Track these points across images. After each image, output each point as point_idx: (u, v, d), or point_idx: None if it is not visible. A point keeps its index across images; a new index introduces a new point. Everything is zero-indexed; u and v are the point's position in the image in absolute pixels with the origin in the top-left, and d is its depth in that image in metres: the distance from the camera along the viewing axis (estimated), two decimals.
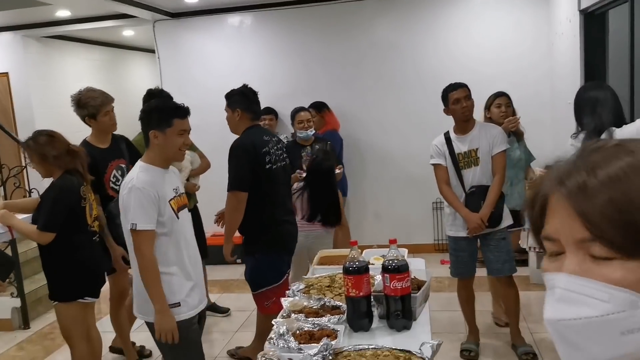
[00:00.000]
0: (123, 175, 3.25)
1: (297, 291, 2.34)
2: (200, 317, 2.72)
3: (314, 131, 4.32)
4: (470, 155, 3.38)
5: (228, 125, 3.52)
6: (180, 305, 2.46)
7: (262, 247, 3.24)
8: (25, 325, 4.48)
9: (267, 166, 3.25)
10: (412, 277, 2.28)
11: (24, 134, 4.43)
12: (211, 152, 4.34)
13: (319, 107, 5.36)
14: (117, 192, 2.86)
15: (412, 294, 2.00)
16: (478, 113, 3.65)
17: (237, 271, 5.12)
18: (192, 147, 3.85)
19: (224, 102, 5.96)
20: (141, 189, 2.38)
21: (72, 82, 7.16)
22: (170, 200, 2.47)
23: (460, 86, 3.37)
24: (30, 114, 6.36)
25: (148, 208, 2.36)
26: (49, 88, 6.71)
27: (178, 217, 2.49)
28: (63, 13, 5.80)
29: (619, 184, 0.56)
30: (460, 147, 3.39)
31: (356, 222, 5.64)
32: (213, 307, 4.42)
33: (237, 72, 6.00)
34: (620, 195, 0.55)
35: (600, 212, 0.56)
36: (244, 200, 3.18)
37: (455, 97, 3.33)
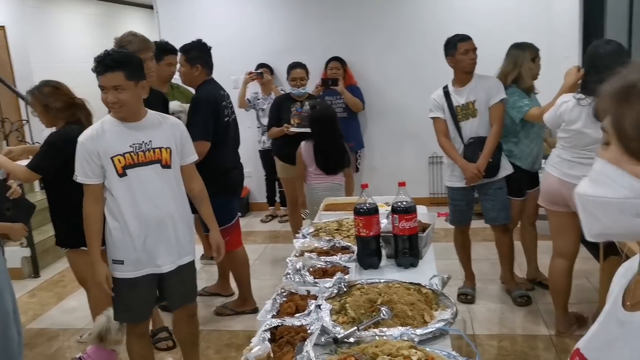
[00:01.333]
0: None
1: (307, 234, 2.47)
2: (163, 288, 2.59)
3: (306, 89, 4.42)
4: (468, 107, 3.46)
5: (181, 79, 3.68)
6: (123, 264, 2.46)
7: (216, 191, 3.17)
8: (36, 274, 4.63)
9: (225, 119, 3.54)
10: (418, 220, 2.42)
11: (23, 88, 4.46)
12: None
13: (343, 61, 5.50)
14: None
15: (418, 234, 2.12)
16: None
17: None
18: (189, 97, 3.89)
19: (222, 58, 5.98)
20: (81, 142, 2.41)
21: (68, 37, 7.14)
22: (116, 156, 2.38)
23: (469, 37, 3.43)
24: (28, 68, 6.33)
25: (83, 162, 2.39)
26: (46, 42, 6.67)
27: (122, 174, 2.39)
28: None
29: None
30: (458, 99, 3.47)
31: (356, 174, 5.76)
32: None
33: (236, 27, 6.01)
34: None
35: (630, 123, 0.70)
36: (207, 149, 3.34)
37: (465, 48, 3.39)
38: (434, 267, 2.12)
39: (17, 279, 4.48)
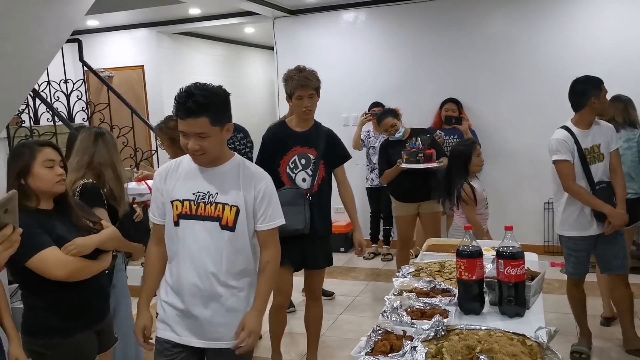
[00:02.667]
0: (307, 166, 3.15)
1: (407, 273, 2.43)
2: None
3: (401, 132, 4.40)
4: (594, 150, 3.33)
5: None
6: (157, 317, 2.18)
7: None
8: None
9: None
10: (526, 267, 2.29)
11: (154, 121, 4.90)
12: None
13: (459, 103, 5.49)
14: (291, 179, 3.15)
15: (526, 282, 2.01)
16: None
17: (339, 259, 5.31)
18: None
19: (335, 96, 6.18)
20: (156, 174, 2.20)
21: (197, 75, 7.76)
22: (175, 200, 2.06)
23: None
24: (160, 103, 6.97)
25: (155, 196, 2.15)
26: (177, 80, 7.28)
27: (176, 223, 2.05)
28: (194, 11, 6.29)
29: None
30: (584, 141, 3.32)
31: None
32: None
33: (349, 67, 6.19)
34: None
35: None
36: None
37: (605, 91, 3.31)
38: (542, 319, 1.98)
39: (136, 296, 4.83)
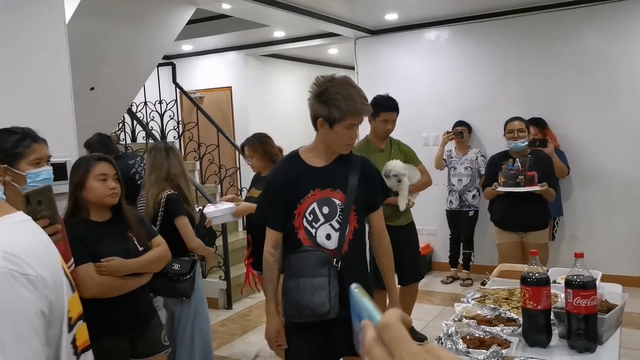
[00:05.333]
0: (331, 216, 2.66)
1: (472, 299, 2.32)
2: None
3: (525, 142, 3.93)
4: None
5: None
6: None
7: None
8: (229, 305, 5.10)
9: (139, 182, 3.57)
10: (603, 299, 2.11)
11: (240, 139, 5.09)
12: None
13: (542, 124, 5.18)
14: (311, 236, 2.46)
15: (599, 315, 1.85)
16: None
17: None
18: (414, 160, 3.91)
19: (415, 115, 6.10)
20: None
21: (282, 95, 8.00)
22: None
23: None
24: (246, 122, 7.23)
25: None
26: (263, 101, 7.57)
27: None
28: (279, 34, 6.50)
29: None
30: None
31: (552, 243, 5.27)
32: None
33: (431, 85, 6.09)
34: None
35: None
36: None
37: None
38: (615, 356, 1.81)
39: (213, 308, 4.99)
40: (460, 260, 5.74)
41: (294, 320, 2.17)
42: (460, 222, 5.61)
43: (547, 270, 2.66)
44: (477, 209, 5.60)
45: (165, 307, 3.09)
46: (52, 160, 2.30)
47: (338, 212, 2.22)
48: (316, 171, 2.24)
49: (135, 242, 2.40)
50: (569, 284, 1.84)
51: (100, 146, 3.58)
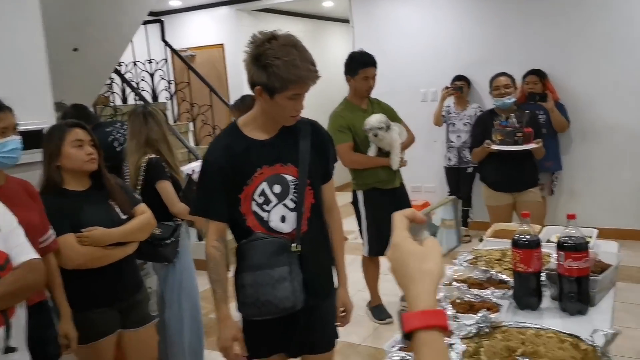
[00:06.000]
0: (284, 195, 2.33)
1: (464, 261, 2.26)
2: None
3: (512, 99, 3.80)
4: None
5: None
6: None
7: None
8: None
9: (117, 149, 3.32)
10: (597, 259, 2.04)
11: (235, 98, 4.96)
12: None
13: (542, 75, 5.00)
14: (263, 222, 1.99)
15: (591, 277, 1.79)
16: None
17: None
18: (397, 118, 3.75)
19: (413, 70, 5.93)
20: None
21: None
22: None
23: None
24: (240, 81, 7.03)
25: None
26: None
27: None
28: None
29: None
30: None
31: (550, 198, 5.21)
32: None
33: (429, 39, 5.89)
34: None
35: None
36: None
37: None
38: (608, 319, 1.75)
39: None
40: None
41: (254, 318, 1.93)
42: (459, 179, 5.53)
43: (542, 229, 2.60)
44: (476, 165, 5.50)
45: (155, 271, 3.06)
46: (26, 127, 2.21)
47: (292, 190, 1.93)
48: (261, 145, 1.91)
49: (118, 210, 2.33)
50: (560, 246, 1.77)
51: (74, 117, 3.48)
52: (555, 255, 1.94)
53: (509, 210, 3.88)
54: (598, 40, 5.10)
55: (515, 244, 1.83)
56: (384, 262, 3.89)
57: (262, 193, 1.92)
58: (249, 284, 1.86)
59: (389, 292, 3.92)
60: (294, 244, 1.91)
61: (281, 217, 1.93)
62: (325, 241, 2.09)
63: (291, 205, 1.94)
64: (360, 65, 3.50)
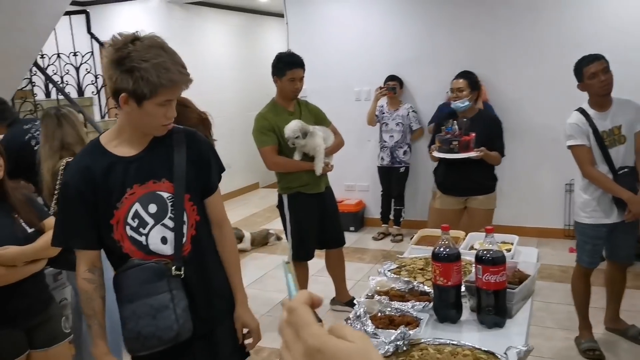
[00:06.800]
0: (162, 214, 2.01)
1: (388, 271, 2.24)
2: None
3: (466, 103, 3.62)
4: (613, 132, 3.09)
5: None
6: None
7: None
8: None
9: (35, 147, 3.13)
10: (516, 269, 2.08)
11: None
12: (331, 117, 3.91)
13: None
14: (141, 245, 1.79)
15: (508, 289, 1.81)
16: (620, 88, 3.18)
17: (348, 239, 5.11)
18: (325, 121, 3.67)
19: (347, 69, 5.92)
20: None
21: (211, 47, 7.58)
22: None
23: (596, 58, 3.05)
24: None
25: None
26: (190, 52, 7.08)
27: None
28: None
29: None
30: (602, 124, 3.10)
31: None
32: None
33: (362, 37, 5.90)
34: None
35: None
36: None
37: (592, 72, 3.04)
38: (524, 331, 1.78)
39: None
40: (392, 216, 5.75)
41: (140, 354, 1.76)
42: (392, 179, 5.59)
43: (466, 235, 2.63)
44: (408, 165, 5.58)
45: (70, 281, 2.88)
46: None
47: (169, 207, 1.74)
48: (128, 162, 1.71)
49: (22, 223, 2.16)
50: (479, 259, 1.78)
51: None
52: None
53: (456, 215, 3.77)
54: (524, 42, 5.26)
55: (436, 256, 1.83)
56: (312, 265, 3.85)
57: (136, 215, 1.72)
58: (127, 316, 1.70)
59: (319, 294, 3.87)
60: (175, 267, 1.72)
61: (162, 239, 1.74)
62: (215, 260, 1.91)
63: (171, 224, 1.74)
64: (287, 66, 3.43)
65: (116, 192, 1.70)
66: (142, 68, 1.56)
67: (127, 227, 1.72)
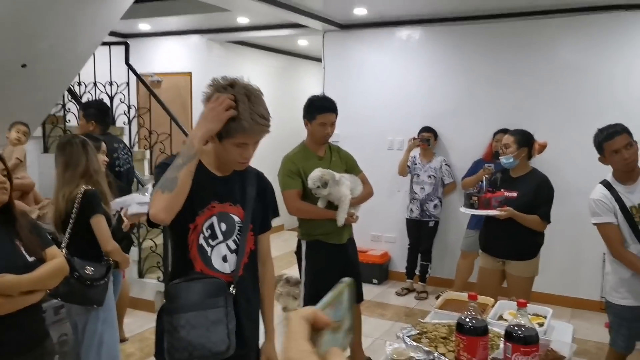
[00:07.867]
0: (229, 234, 2.17)
1: (407, 336, 2.04)
2: None
3: (510, 159, 3.48)
4: None
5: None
6: None
7: None
8: None
9: (116, 168, 3.99)
10: (549, 348, 1.86)
11: None
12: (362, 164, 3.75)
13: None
14: (206, 257, 1.95)
15: None
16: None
17: (369, 292, 4.90)
18: (355, 169, 3.53)
19: (381, 117, 5.84)
20: None
21: None
22: None
23: (617, 132, 2.85)
24: None
25: None
26: None
27: None
28: (242, 20, 6.14)
29: None
30: (630, 198, 2.86)
31: None
32: None
33: (399, 87, 5.82)
34: None
35: None
36: None
37: (613, 149, 2.84)
38: None
39: (149, 311, 4.65)
40: (417, 272, 5.50)
41: None
42: (420, 233, 5.37)
43: (495, 302, 2.41)
44: (438, 219, 5.37)
45: (71, 317, 2.75)
46: None
47: (236, 231, 1.93)
48: (216, 180, 1.92)
49: (23, 250, 2.05)
50: (509, 336, 1.58)
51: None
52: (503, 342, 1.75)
53: (494, 277, 3.53)
54: (566, 103, 5.09)
55: (460, 328, 1.64)
56: None
57: (211, 226, 1.89)
58: (179, 324, 1.75)
59: None
60: (232, 287, 1.87)
61: (223, 257, 1.90)
62: (256, 290, 2.04)
63: (233, 246, 1.92)
64: (318, 110, 3.30)
65: (203, 200, 1.87)
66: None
67: (201, 235, 1.87)
